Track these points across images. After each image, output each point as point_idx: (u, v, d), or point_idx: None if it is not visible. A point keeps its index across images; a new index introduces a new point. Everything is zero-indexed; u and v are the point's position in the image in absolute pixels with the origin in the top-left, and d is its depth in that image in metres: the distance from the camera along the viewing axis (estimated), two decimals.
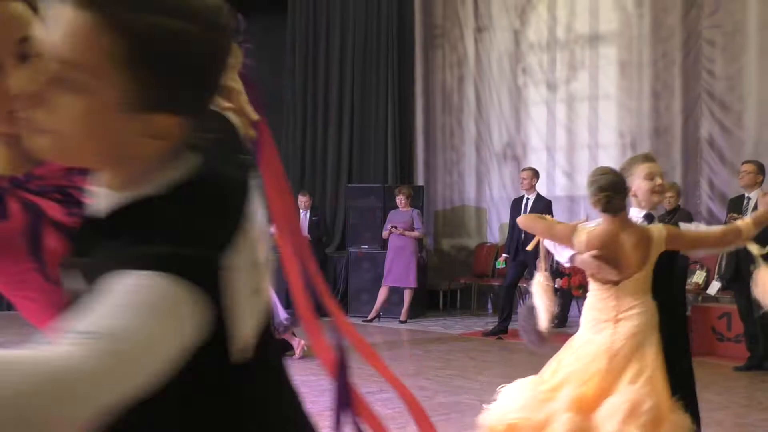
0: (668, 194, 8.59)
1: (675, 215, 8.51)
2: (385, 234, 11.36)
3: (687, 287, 8.80)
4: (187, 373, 1.07)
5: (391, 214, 11.43)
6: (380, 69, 13.43)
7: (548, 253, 4.50)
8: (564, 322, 10.81)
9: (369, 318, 11.26)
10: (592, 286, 4.07)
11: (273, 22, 14.59)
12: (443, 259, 13.23)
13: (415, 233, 11.27)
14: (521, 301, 11.60)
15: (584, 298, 9.96)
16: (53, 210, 1.61)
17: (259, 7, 14.50)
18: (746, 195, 7.90)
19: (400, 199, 11.31)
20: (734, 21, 10.38)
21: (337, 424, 1.90)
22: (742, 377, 7.62)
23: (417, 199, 12.09)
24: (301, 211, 11.80)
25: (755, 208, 7.77)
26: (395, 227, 11.21)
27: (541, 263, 4.47)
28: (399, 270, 11.10)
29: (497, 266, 10.87)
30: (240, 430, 1.26)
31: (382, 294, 11.32)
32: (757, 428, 5.77)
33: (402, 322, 11.15)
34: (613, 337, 3.88)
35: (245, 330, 1.22)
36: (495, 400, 4.46)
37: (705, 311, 8.80)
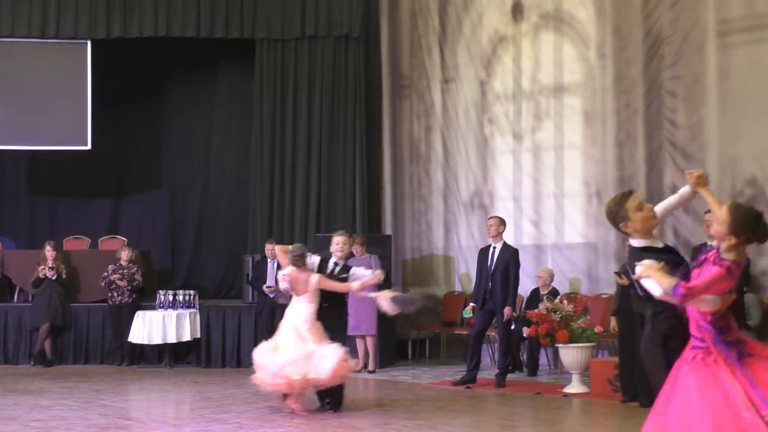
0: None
1: None
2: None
3: None
4: None
5: (349, 263, 11.33)
6: (348, 119, 13.51)
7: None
8: (535, 370, 10.81)
9: (359, 369, 11.17)
10: None
11: (242, 69, 14.68)
12: None
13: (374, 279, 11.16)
14: (489, 350, 11.61)
15: (552, 346, 9.99)
16: None
17: (226, 54, 14.62)
18: (708, 243, 7.98)
19: (356, 248, 11.25)
20: (694, 72, 10.59)
21: None
22: None
23: (385, 247, 12.08)
24: (268, 260, 11.75)
25: None
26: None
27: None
28: (361, 318, 11.03)
29: (465, 315, 10.85)
30: None
31: (361, 345, 11.25)
32: None
33: (371, 372, 11.05)
34: None
35: None
36: None
37: None
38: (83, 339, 12.25)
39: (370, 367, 11.12)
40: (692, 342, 4.23)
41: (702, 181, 4.85)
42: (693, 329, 4.24)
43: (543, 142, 12.07)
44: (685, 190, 4.94)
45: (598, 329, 9.49)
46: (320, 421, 7.76)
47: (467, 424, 7.76)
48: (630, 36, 11.23)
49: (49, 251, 12.15)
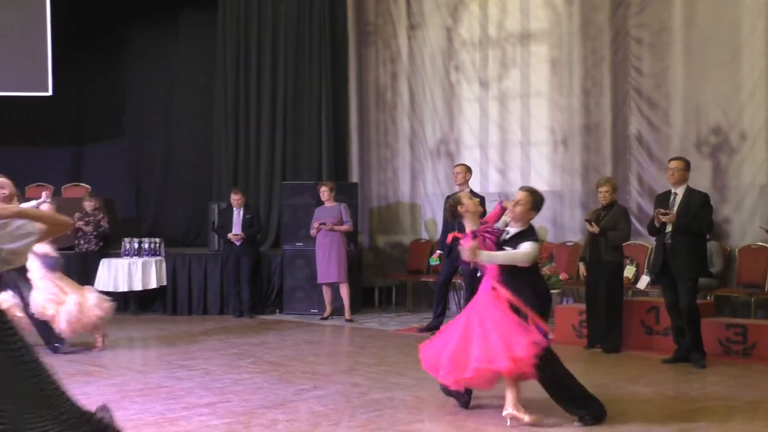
0: (602, 189, 8.74)
1: (611, 210, 8.67)
2: (312, 231, 11.18)
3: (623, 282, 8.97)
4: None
5: (318, 211, 11.31)
6: (313, 66, 13.36)
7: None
8: None
9: (324, 316, 11.19)
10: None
11: (203, 18, 14.43)
12: (378, 256, 13.25)
13: (345, 227, 11.16)
14: (455, 297, 11.70)
15: None
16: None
17: (189, 1, 14.35)
18: (673, 191, 8.07)
19: (324, 192, 11.19)
20: (660, 19, 10.60)
21: None
22: (669, 369, 7.78)
23: (351, 196, 12.06)
24: (234, 208, 11.69)
25: (681, 203, 7.94)
26: (324, 224, 11.08)
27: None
28: (332, 266, 11.03)
29: (431, 263, 10.90)
30: None
31: (327, 292, 11.26)
32: (683, 419, 5.90)
33: (348, 320, 11.05)
34: None
35: None
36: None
37: (634, 305, 8.96)
38: None
39: (347, 316, 11.08)
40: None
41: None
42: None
43: (509, 90, 12.05)
44: None
45: (563, 276, 9.59)
46: (287, 367, 7.81)
47: None
48: None
49: None
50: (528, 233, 5.90)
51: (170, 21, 14.71)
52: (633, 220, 10.47)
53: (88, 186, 13.39)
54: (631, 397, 6.61)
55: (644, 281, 9.10)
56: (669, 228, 7.89)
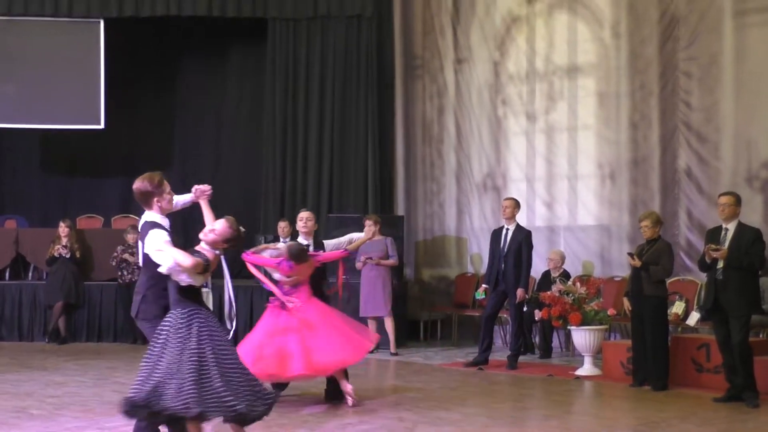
0: (643, 223, 8.64)
1: (654, 244, 8.56)
2: (358, 265, 11.17)
3: (668, 317, 8.83)
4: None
5: (364, 245, 11.31)
6: (360, 99, 13.47)
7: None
8: (548, 353, 10.81)
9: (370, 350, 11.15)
10: None
11: (252, 51, 14.65)
12: (424, 289, 13.22)
13: (391, 261, 11.15)
14: (501, 332, 11.61)
15: (565, 329, 10.01)
16: None
17: (238, 34, 14.58)
18: (724, 226, 7.95)
19: (369, 226, 11.20)
20: (710, 53, 10.51)
21: None
22: (721, 408, 7.62)
23: (397, 228, 12.06)
24: (281, 238, 11.73)
25: (732, 239, 7.81)
26: (370, 258, 11.08)
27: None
28: (376, 300, 11.01)
29: (477, 297, 10.83)
30: None
31: (372, 326, 11.24)
32: None
33: (393, 354, 10.98)
34: None
35: None
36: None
37: (684, 342, 8.81)
38: (96, 317, 12.33)
39: (392, 350, 11.02)
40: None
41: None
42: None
43: (556, 123, 12.02)
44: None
45: (611, 312, 9.47)
46: (332, 400, 7.78)
47: (479, 404, 7.78)
48: (645, 15, 11.14)
49: (63, 229, 12.20)
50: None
51: (220, 54, 14.96)
52: (682, 255, 10.33)
53: (136, 217, 13.56)
54: None
55: (694, 317, 8.95)
56: (720, 264, 7.77)
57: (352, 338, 7.56)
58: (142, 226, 5.35)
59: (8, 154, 15.02)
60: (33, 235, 12.97)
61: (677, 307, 9.55)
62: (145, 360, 5.04)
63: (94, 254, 12.55)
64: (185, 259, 5.05)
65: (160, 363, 4.94)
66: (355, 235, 8.18)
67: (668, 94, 10.88)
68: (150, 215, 5.36)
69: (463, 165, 13.03)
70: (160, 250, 5.11)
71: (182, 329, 5.00)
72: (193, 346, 4.94)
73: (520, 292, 9.74)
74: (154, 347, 5.02)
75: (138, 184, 5.36)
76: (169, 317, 5.09)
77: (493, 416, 7.17)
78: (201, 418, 4.94)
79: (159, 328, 5.07)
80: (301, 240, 7.84)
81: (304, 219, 7.94)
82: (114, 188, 14.91)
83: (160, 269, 5.08)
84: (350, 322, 7.95)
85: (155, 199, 5.34)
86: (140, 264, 5.56)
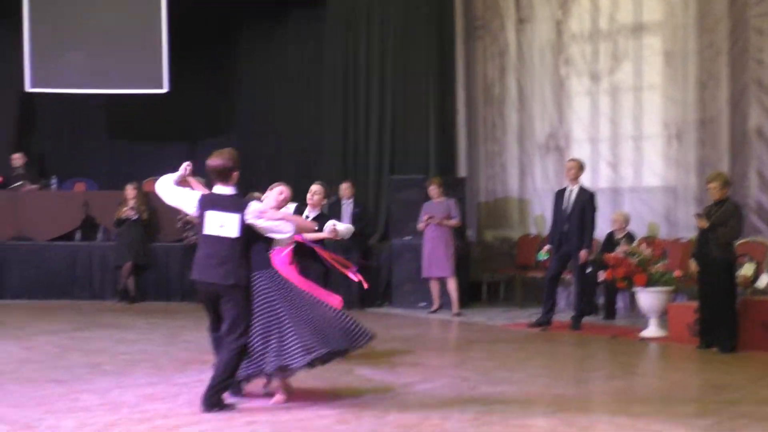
0: (711, 185, 8.47)
1: (723, 206, 8.41)
2: (420, 226, 11.24)
3: (736, 280, 8.68)
4: None
5: (426, 206, 11.34)
6: (421, 60, 13.38)
7: None
8: (612, 314, 10.73)
9: (433, 310, 11.23)
10: None
11: (312, 15, 14.64)
12: (486, 250, 13.19)
13: (453, 221, 11.19)
14: (565, 293, 11.55)
15: (629, 290, 9.89)
16: None
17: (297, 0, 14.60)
18: None
19: (433, 189, 11.24)
20: None
21: None
22: None
23: (459, 190, 12.04)
24: (343, 201, 11.82)
25: None
26: (432, 218, 11.12)
27: None
28: (439, 261, 11.06)
29: (540, 258, 10.78)
30: None
31: (435, 286, 11.31)
32: None
33: (457, 314, 11.04)
34: None
35: None
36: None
37: (754, 305, 8.66)
38: (164, 277, 12.61)
39: (454, 310, 11.08)
40: None
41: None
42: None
43: (621, 83, 11.81)
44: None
45: (677, 274, 9.33)
46: (396, 359, 7.86)
47: (543, 365, 7.78)
48: None
49: (130, 192, 12.45)
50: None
51: (280, 19, 14.99)
52: (753, 217, 10.12)
53: (202, 178, 13.73)
54: (753, 398, 6.40)
55: (764, 280, 8.80)
56: None
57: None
58: (229, 198, 5.92)
59: (76, 118, 15.33)
60: (101, 198, 13.26)
61: (747, 269, 9.37)
62: (264, 324, 5.73)
63: (160, 216, 12.79)
64: (304, 223, 6.09)
65: (284, 320, 5.74)
66: (339, 225, 7.55)
67: (738, 52, 10.60)
68: (226, 189, 6.00)
69: (525, 126, 12.90)
70: (280, 218, 5.87)
71: (279, 286, 5.80)
72: (293, 297, 5.82)
73: (583, 253, 9.68)
74: (264, 309, 5.74)
75: (219, 161, 5.97)
76: (262, 279, 5.73)
77: (556, 377, 7.16)
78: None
79: (260, 290, 5.73)
80: (308, 211, 7.75)
81: (312, 192, 7.92)
82: (178, 151, 15.11)
83: (283, 235, 5.86)
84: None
85: (234, 174, 5.99)
86: (224, 234, 5.72)
